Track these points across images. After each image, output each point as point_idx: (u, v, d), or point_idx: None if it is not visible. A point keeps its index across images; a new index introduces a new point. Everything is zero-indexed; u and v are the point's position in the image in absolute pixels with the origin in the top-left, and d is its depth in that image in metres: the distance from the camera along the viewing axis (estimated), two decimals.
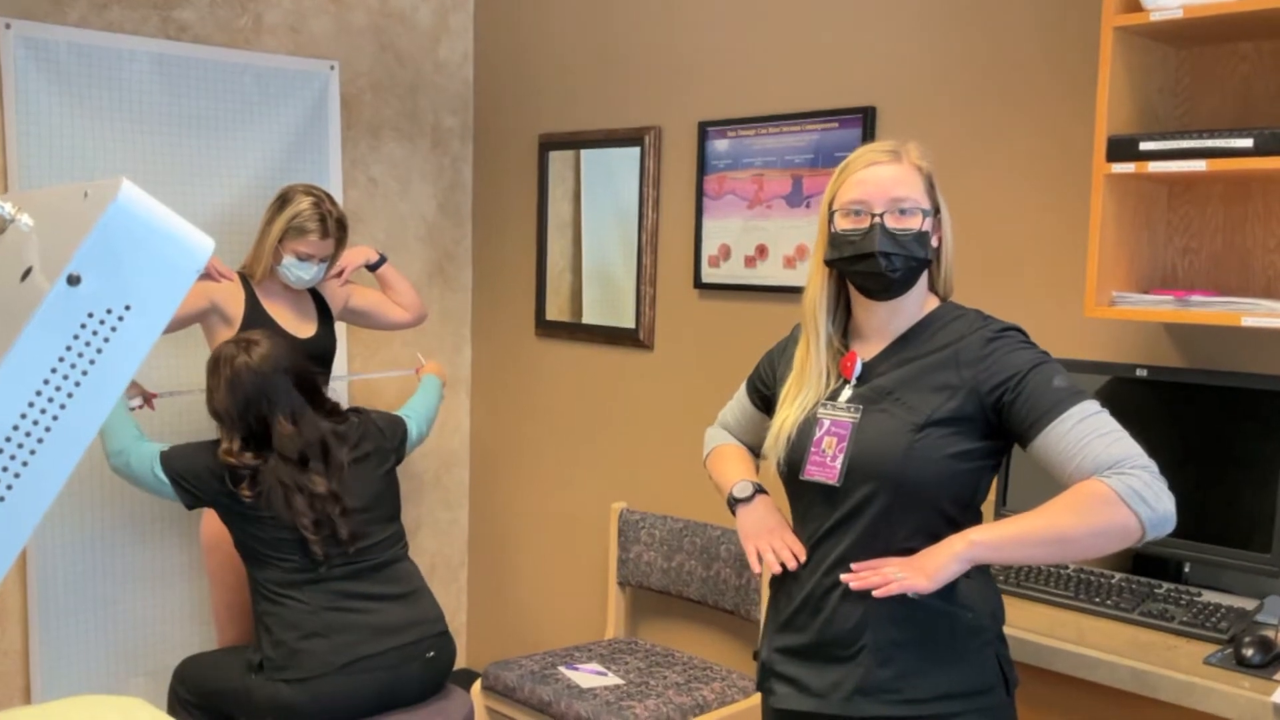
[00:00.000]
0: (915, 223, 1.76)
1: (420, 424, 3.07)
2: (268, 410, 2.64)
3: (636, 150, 3.48)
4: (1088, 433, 1.64)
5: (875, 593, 1.64)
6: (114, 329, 0.96)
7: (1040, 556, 1.64)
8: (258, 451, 2.63)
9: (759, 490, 1.95)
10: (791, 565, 1.82)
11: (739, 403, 2.10)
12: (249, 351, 2.66)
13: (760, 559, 1.84)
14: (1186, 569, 2.34)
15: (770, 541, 1.86)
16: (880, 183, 1.77)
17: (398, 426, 2.93)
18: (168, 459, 2.65)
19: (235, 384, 2.63)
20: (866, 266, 1.75)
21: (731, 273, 3.26)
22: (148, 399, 3.02)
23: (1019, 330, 1.79)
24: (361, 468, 2.74)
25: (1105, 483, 1.60)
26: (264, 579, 2.65)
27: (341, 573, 2.66)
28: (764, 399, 2.03)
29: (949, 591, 1.73)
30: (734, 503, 1.95)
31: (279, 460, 2.63)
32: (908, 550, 1.75)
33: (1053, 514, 1.62)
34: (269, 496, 2.60)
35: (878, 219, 1.75)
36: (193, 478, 2.64)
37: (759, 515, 1.91)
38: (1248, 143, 2.06)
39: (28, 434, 0.94)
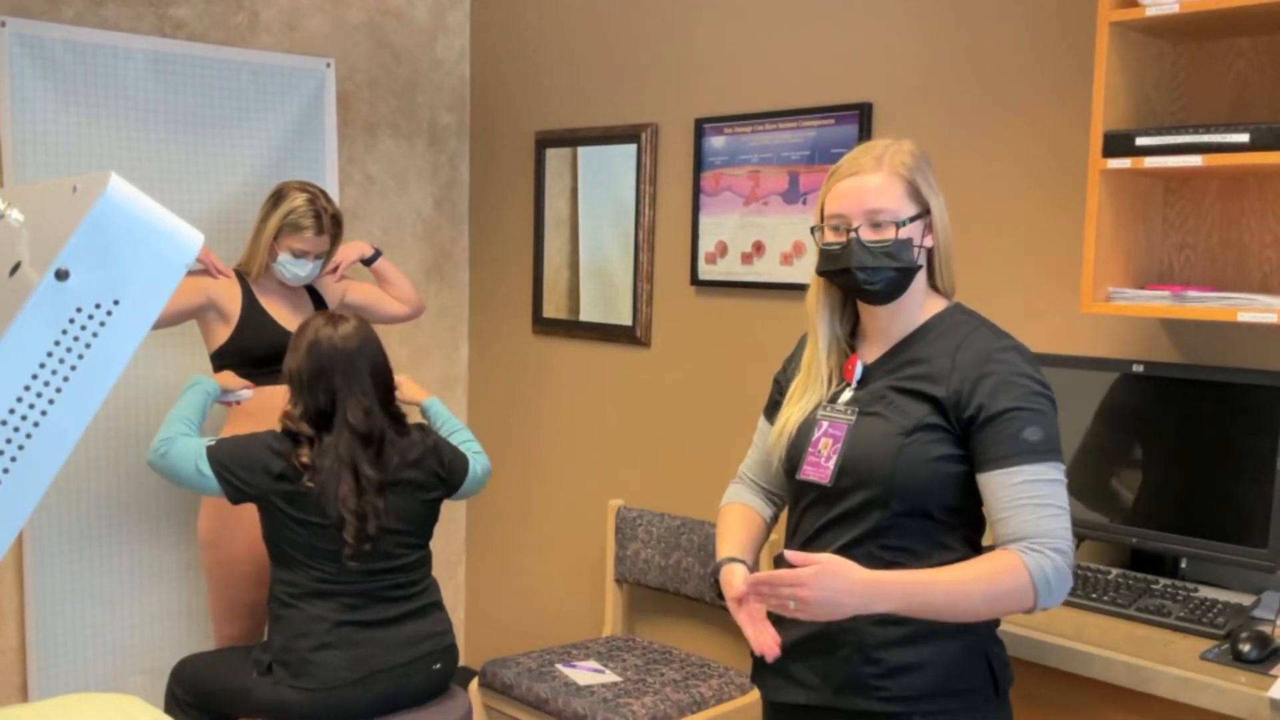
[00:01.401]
0: (890, 234, 1.77)
1: (478, 458, 2.92)
2: (338, 386, 2.62)
3: (633, 147, 3.48)
4: (1027, 497, 1.67)
5: (790, 613, 1.63)
6: (103, 323, 0.96)
7: (933, 616, 1.67)
8: (316, 426, 2.61)
9: (728, 560, 1.89)
10: (770, 654, 1.76)
11: (760, 437, 2.05)
12: (336, 326, 2.66)
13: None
14: (1183, 564, 2.33)
15: (746, 628, 1.80)
16: (857, 194, 1.78)
17: (459, 463, 2.83)
18: (214, 452, 2.60)
19: (314, 351, 2.63)
20: (846, 281, 1.80)
21: (728, 269, 3.26)
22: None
23: (1022, 352, 1.76)
24: (407, 490, 2.69)
25: (1022, 559, 1.65)
26: (286, 580, 2.63)
27: (361, 588, 2.64)
28: None
29: None
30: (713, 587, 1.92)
31: (348, 432, 2.60)
32: (903, 550, 1.76)
33: (973, 584, 1.65)
34: (323, 488, 2.56)
35: (853, 233, 1.77)
36: (242, 471, 2.58)
37: (725, 586, 1.86)
38: (1244, 138, 2.06)
39: (16, 429, 0.94)
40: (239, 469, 2.59)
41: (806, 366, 1.91)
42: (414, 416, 2.90)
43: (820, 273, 1.84)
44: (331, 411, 2.63)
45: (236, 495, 2.61)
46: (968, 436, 1.73)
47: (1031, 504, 1.67)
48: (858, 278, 1.76)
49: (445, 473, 2.79)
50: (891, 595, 1.64)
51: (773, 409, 2.02)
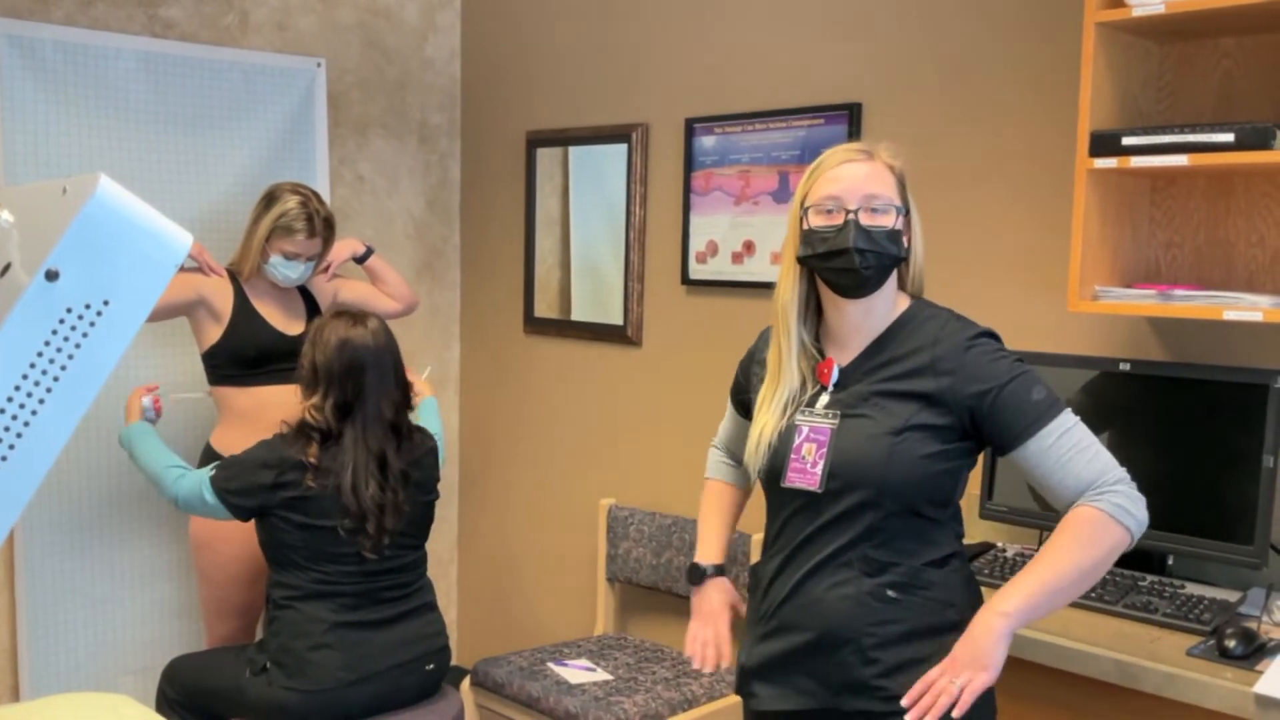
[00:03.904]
0: (889, 220, 1.77)
1: (443, 448, 3.02)
2: (369, 382, 2.65)
3: (624, 147, 3.49)
4: (1068, 448, 1.71)
5: (955, 714, 1.66)
6: (93, 324, 0.96)
7: (1066, 599, 1.70)
8: (338, 418, 2.63)
9: (717, 571, 2.03)
10: (709, 667, 1.93)
11: (728, 415, 2.13)
12: (364, 325, 2.70)
13: (695, 650, 1.96)
14: (1170, 562, 2.35)
15: (703, 632, 1.96)
16: (854, 180, 1.77)
17: (437, 457, 2.88)
18: (215, 481, 2.65)
19: (346, 348, 2.64)
20: (841, 263, 1.76)
21: (719, 269, 3.27)
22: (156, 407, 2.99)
23: (993, 336, 1.80)
24: (412, 489, 2.73)
25: (1095, 507, 1.68)
26: (284, 583, 2.64)
27: (360, 588, 2.65)
28: (745, 405, 2.03)
29: (931, 588, 1.75)
30: (690, 583, 2.05)
31: (379, 426, 2.64)
32: (895, 549, 1.76)
33: (1064, 554, 1.68)
34: (339, 485, 2.58)
35: (852, 215, 1.76)
36: (240, 487, 2.61)
37: (704, 597, 2.02)
38: (1229, 137, 2.07)
39: (6, 428, 0.94)
40: (238, 488, 2.62)
41: (774, 369, 1.88)
42: None
43: (804, 259, 1.80)
44: (353, 404, 2.65)
45: (244, 514, 2.66)
46: (975, 424, 1.74)
47: (1076, 452, 1.71)
48: (855, 260, 1.74)
49: (437, 473, 2.83)
50: (1015, 609, 1.66)
51: (736, 390, 2.07)
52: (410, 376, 3.08)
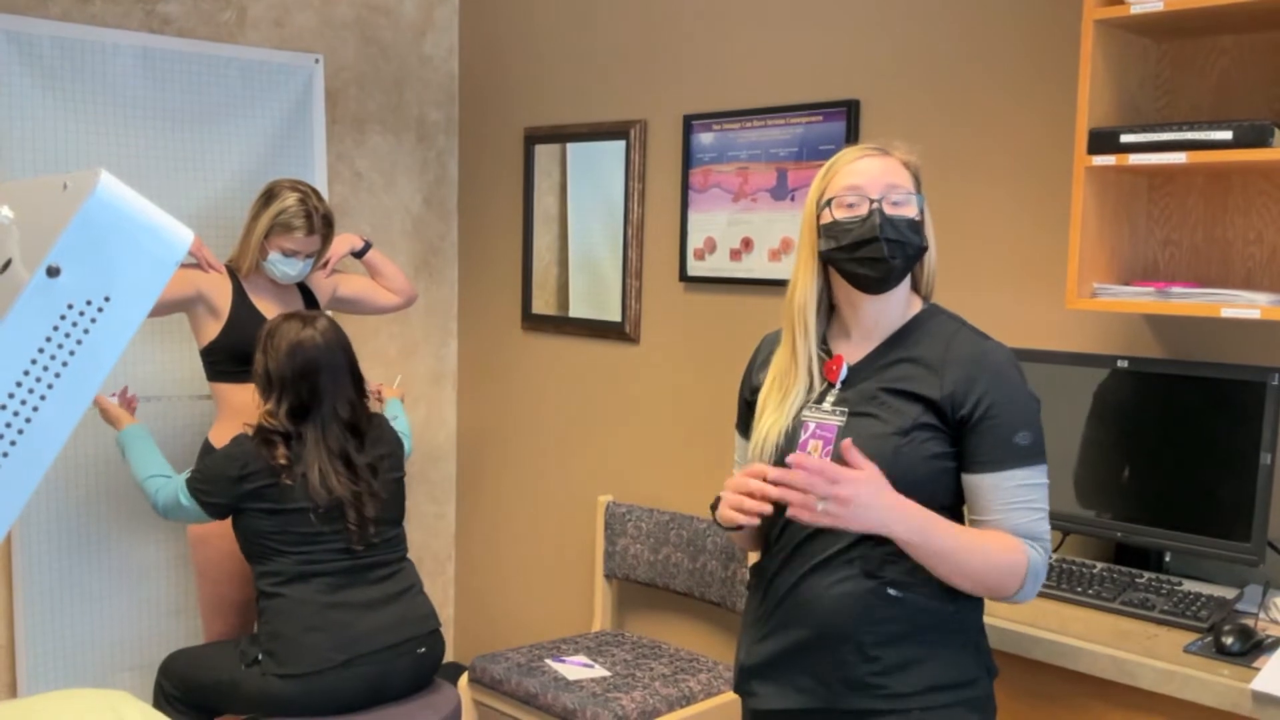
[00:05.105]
0: (910, 211, 1.76)
1: (408, 441, 3.14)
2: (324, 384, 2.71)
3: (622, 144, 3.49)
4: (1019, 501, 1.72)
5: (806, 516, 1.61)
6: (94, 320, 0.96)
7: (935, 565, 1.70)
8: (296, 421, 2.70)
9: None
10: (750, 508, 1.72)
11: (740, 448, 2.05)
12: (313, 325, 2.74)
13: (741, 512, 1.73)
14: (1167, 558, 2.35)
15: (726, 500, 1.74)
16: (873, 173, 1.76)
17: (400, 442, 2.96)
18: (190, 482, 2.71)
19: (297, 351, 2.70)
20: (868, 253, 1.73)
21: (717, 266, 3.27)
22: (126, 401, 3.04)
23: (1006, 354, 1.78)
24: (382, 479, 2.80)
25: (1027, 554, 1.71)
26: (268, 571, 2.68)
27: (341, 566, 2.69)
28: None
29: (931, 587, 1.75)
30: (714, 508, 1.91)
31: (336, 425, 2.71)
32: (898, 550, 1.75)
33: (979, 550, 1.69)
34: (308, 480, 2.64)
35: (876, 205, 1.74)
36: (211, 486, 2.68)
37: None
38: (1227, 135, 2.08)
39: (8, 425, 0.94)
40: (210, 486, 2.69)
41: (785, 368, 1.85)
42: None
43: (827, 253, 1.77)
44: (310, 405, 2.71)
45: (218, 512, 2.73)
46: (959, 436, 1.74)
47: (1025, 507, 1.72)
48: (883, 249, 1.72)
49: (400, 450, 2.92)
50: (911, 520, 1.65)
51: (742, 412, 2.00)
52: (381, 388, 3.28)
